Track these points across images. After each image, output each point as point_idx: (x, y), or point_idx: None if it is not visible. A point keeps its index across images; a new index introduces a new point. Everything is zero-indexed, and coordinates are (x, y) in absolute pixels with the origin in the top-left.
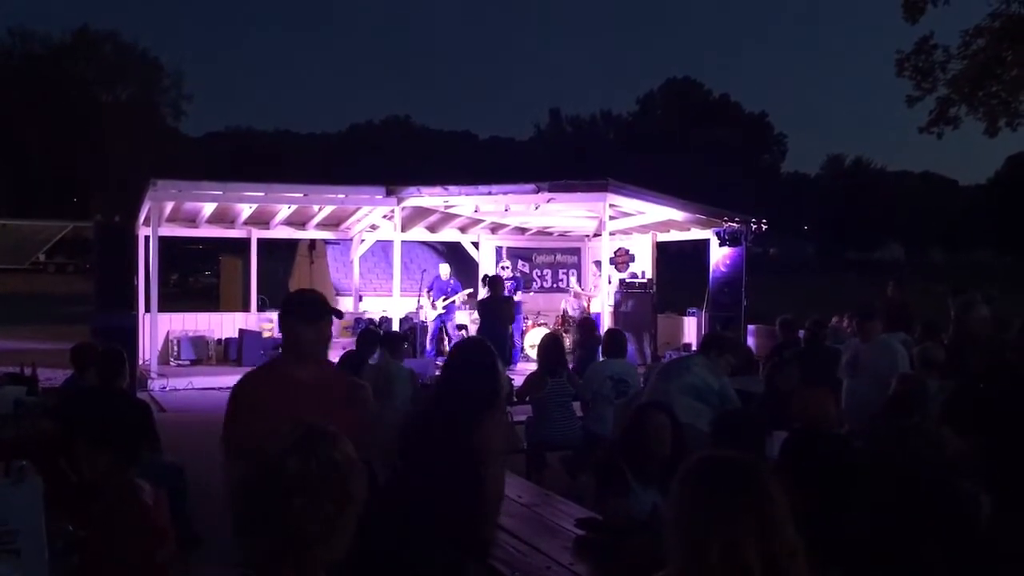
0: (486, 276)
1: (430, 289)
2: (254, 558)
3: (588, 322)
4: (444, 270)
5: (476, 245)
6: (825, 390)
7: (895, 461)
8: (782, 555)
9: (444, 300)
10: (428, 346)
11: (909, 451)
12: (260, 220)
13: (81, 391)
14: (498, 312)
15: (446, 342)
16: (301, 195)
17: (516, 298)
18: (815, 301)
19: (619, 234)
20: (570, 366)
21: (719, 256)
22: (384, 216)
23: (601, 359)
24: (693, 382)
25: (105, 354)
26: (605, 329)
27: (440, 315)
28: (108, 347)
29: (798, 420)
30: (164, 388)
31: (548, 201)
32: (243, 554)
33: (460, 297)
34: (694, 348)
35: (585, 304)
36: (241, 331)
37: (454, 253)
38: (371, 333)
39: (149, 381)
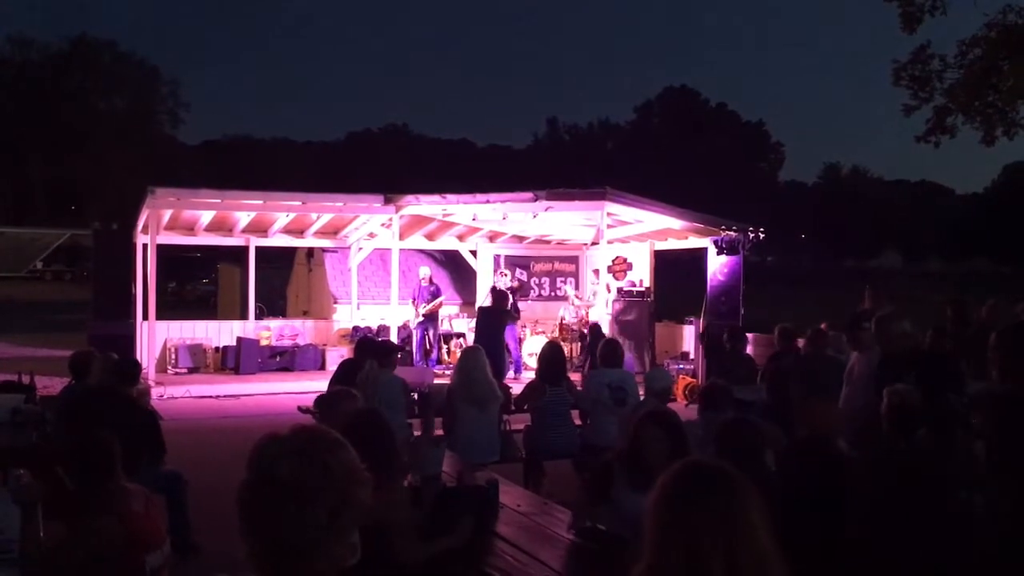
0: (494, 287)
1: (414, 299)
2: (254, 563)
3: (596, 326)
4: (423, 272)
5: (474, 253)
6: (830, 402)
7: (891, 473)
8: (749, 563)
9: (425, 307)
10: (416, 355)
11: (905, 462)
12: (258, 228)
13: (86, 397)
14: (497, 321)
15: (443, 350)
16: (299, 203)
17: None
18: (813, 310)
19: (617, 242)
20: (573, 374)
21: (717, 265)
22: (382, 224)
23: (598, 369)
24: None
25: (121, 362)
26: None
27: (421, 323)
28: (114, 357)
29: (802, 430)
30: (161, 396)
31: (546, 209)
32: (246, 559)
33: (440, 305)
34: (691, 356)
35: (584, 314)
36: (239, 339)
37: (452, 261)
38: (369, 342)
39: None
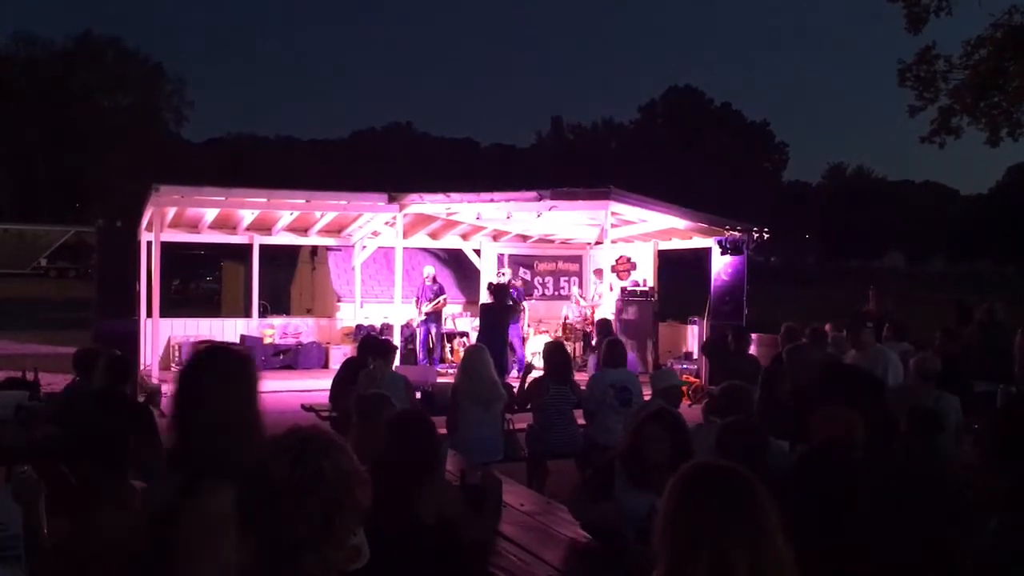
0: (491, 284)
1: (418, 298)
2: (250, 563)
3: (606, 323)
4: (427, 271)
5: (478, 252)
6: (847, 410)
7: (899, 479)
8: (770, 566)
9: (428, 306)
10: (419, 354)
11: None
12: (262, 226)
13: (79, 397)
14: (499, 318)
15: (446, 349)
16: (303, 201)
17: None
18: (817, 309)
19: (621, 242)
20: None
21: (720, 265)
22: (386, 223)
23: (601, 370)
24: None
25: (113, 360)
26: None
27: (424, 321)
28: (115, 354)
29: (815, 437)
30: (165, 394)
31: (550, 209)
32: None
33: (443, 304)
34: (696, 356)
35: (588, 314)
36: (242, 337)
37: (456, 260)
38: (372, 340)
39: None
